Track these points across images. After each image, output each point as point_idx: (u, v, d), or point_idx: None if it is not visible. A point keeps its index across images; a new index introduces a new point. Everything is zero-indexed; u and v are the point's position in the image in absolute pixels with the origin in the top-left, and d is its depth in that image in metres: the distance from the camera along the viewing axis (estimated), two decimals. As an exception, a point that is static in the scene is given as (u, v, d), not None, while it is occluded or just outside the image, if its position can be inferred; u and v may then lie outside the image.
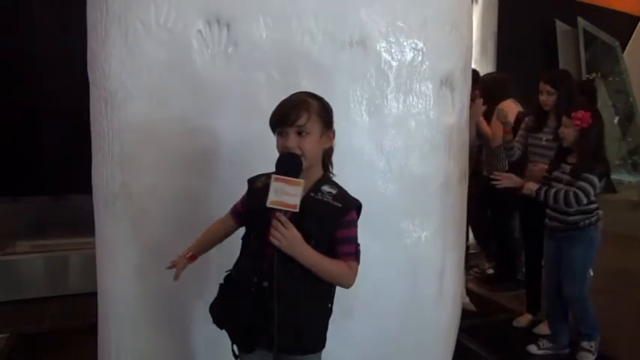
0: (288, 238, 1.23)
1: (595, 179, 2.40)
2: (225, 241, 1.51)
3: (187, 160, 1.72)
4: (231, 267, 1.42)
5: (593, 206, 2.51)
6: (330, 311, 1.39)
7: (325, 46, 1.81)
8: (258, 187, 1.36)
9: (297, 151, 1.28)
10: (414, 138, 1.96)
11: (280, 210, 1.21)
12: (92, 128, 1.74)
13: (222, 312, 1.38)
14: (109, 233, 1.73)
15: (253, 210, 1.36)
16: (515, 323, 3.13)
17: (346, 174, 1.78)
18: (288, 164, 1.25)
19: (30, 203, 4.28)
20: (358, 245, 1.35)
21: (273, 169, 1.28)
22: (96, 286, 1.82)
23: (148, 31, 1.64)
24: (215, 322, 1.40)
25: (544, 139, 2.88)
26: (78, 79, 2.08)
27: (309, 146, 1.29)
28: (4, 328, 2.87)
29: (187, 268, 1.67)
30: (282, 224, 1.22)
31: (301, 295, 1.30)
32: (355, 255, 1.34)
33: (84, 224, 2.32)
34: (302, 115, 1.28)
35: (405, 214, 1.97)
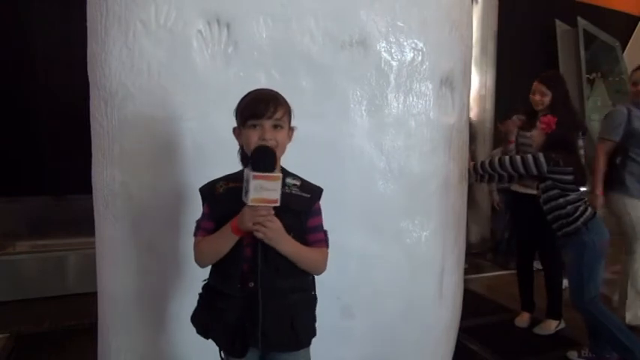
0: (274, 229, 1.24)
1: (541, 157, 2.40)
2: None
3: (187, 160, 1.72)
4: None
5: (571, 210, 2.42)
6: (315, 300, 1.41)
7: (325, 46, 1.81)
8: (220, 192, 1.34)
9: (273, 144, 1.28)
10: (414, 138, 1.96)
11: (262, 206, 1.21)
12: (92, 128, 1.74)
13: (207, 321, 1.38)
14: (109, 233, 1.73)
15: (222, 217, 1.32)
16: (516, 323, 3.13)
17: (346, 174, 1.79)
18: (265, 159, 1.23)
19: (30, 203, 4.28)
20: (326, 232, 1.38)
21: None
22: (96, 286, 1.82)
23: (148, 31, 1.64)
24: (199, 332, 1.40)
25: None
26: (78, 79, 2.08)
27: (282, 139, 1.32)
28: (4, 328, 2.87)
29: (185, 269, 1.67)
30: (266, 218, 1.22)
31: (289, 288, 1.32)
32: (325, 242, 1.37)
33: (84, 224, 2.31)
34: (279, 109, 1.31)
35: (405, 214, 1.97)
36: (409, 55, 1.93)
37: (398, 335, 1.99)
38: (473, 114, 4.92)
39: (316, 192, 1.37)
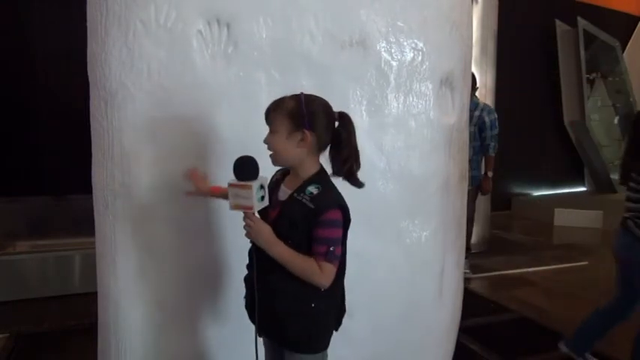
0: (254, 229, 1.31)
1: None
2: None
3: (187, 160, 1.71)
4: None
5: None
6: (314, 312, 1.36)
7: (325, 46, 1.81)
8: (272, 180, 1.45)
9: (269, 148, 1.36)
10: (414, 138, 1.96)
11: (243, 212, 1.31)
12: (92, 128, 1.74)
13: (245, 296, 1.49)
14: (109, 233, 1.73)
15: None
16: None
17: (346, 174, 1.78)
18: (238, 168, 1.31)
19: (30, 203, 4.29)
20: (333, 247, 1.31)
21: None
22: (96, 286, 1.82)
23: (148, 31, 1.64)
24: (245, 307, 1.50)
25: None
26: (78, 79, 2.08)
27: (273, 143, 1.36)
28: (4, 328, 2.87)
29: (186, 268, 1.67)
30: (249, 218, 1.31)
31: (277, 290, 1.36)
32: (324, 256, 1.31)
33: (84, 224, 2.32)
34: (272, 113, 1.36)
35: (405, 214, 1.97)
36: (409, 55, 1.93)
37: (398, 335, 1.99)
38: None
39: (324, 205, 1.31)
